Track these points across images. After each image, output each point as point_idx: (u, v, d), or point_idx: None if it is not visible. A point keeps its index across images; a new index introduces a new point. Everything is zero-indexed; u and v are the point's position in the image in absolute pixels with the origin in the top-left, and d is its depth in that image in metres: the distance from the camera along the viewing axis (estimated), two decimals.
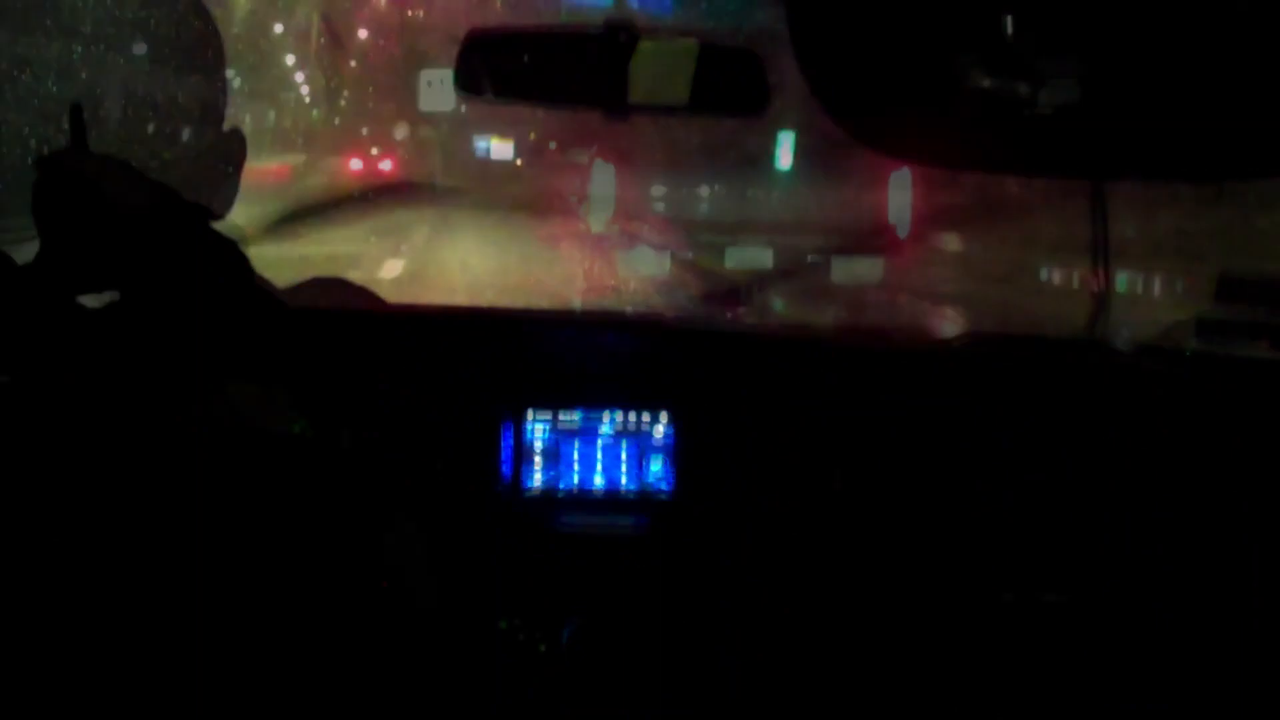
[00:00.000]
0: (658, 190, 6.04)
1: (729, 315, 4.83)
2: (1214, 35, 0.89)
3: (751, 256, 5.64)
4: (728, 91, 1.45)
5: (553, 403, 1.64)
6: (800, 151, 5.87)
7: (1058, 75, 0.95)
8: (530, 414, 1.63)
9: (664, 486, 1.64)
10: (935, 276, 5.91)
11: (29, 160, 0.85)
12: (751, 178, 5.88)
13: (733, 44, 1.43)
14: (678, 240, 5.86)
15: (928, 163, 1.07)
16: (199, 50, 0.85)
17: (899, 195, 5.79)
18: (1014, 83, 0.94)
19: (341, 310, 1.74)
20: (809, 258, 5.65)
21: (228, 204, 0.89)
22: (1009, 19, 0.92)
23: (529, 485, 1.63)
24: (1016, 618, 1.58)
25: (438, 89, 8.77)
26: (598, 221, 5.98)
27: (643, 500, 1.64)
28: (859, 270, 5.51)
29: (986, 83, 0.95)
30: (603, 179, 5.97)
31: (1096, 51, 0.93)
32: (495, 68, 1.47)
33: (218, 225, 0.87)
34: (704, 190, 6.05)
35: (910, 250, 5.87)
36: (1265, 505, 1.54)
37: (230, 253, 0.85)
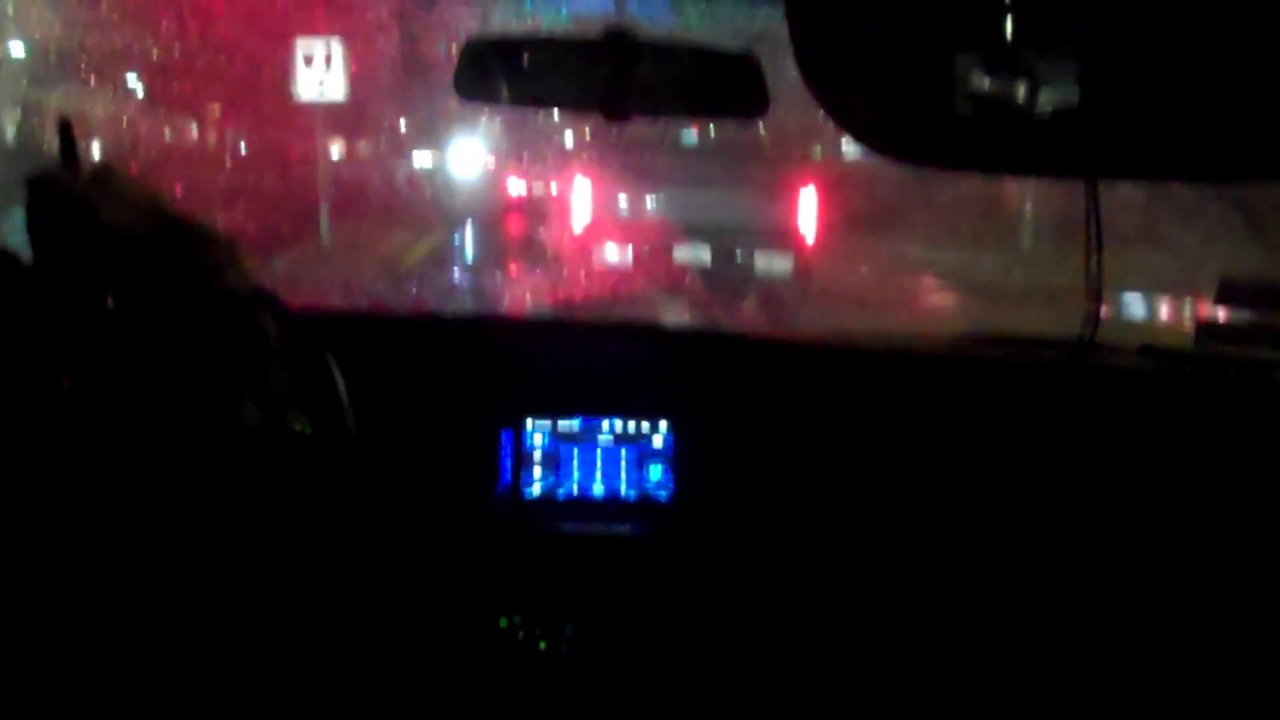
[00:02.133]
0: (622, 200, 7.79)
1: (674, 294, 7.03)
2: (1214, 36, 0.89)
3: (693, 252, 7.47)
4: (727, 95, 1.45)
5: (552, 411, 1.64)
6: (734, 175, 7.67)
7: (1057, 76, 0.95)
8: (530, 422, 1.64)
9: (663, 494, 1.64)
10: (830, 269, 7.86)
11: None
12: (696, 192, 7.62)
13: (732, 48, 1.43)
14: (637, 239, 7.55)
15: (928, 164, 1.07)
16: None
17: (807, 207, 7.50)
18: (1013, 84, 0.94)
19: (342, 313, 1.74)
20: (738, 254, 7.41)
21: None
22: (1008, 19, 0.92)
23: (529, 491, 1.63)
24: (1017, 618, 1.58)
25: (320, 70, 7.22)
26: (578, 224, 7.65)
27: (642, 506, 1.64)
28: (774, 265, 7.40)
29: (986, 84, 0.95)
30: (582, 191, 7.70)
31: (1095, 51, 0.93)
32: (495, 73, 1.47)
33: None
34: (652, 201, 7.76)
35: (814, 250, 7.64)
36: (1265, 506, 1.54)
37: (229, 258, 0.85)
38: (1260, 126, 0.91)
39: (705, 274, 7.34)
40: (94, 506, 0.68)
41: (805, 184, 7.59)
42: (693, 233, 7.41)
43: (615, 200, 7.64)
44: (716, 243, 7.42)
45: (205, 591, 0.70)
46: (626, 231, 7.53)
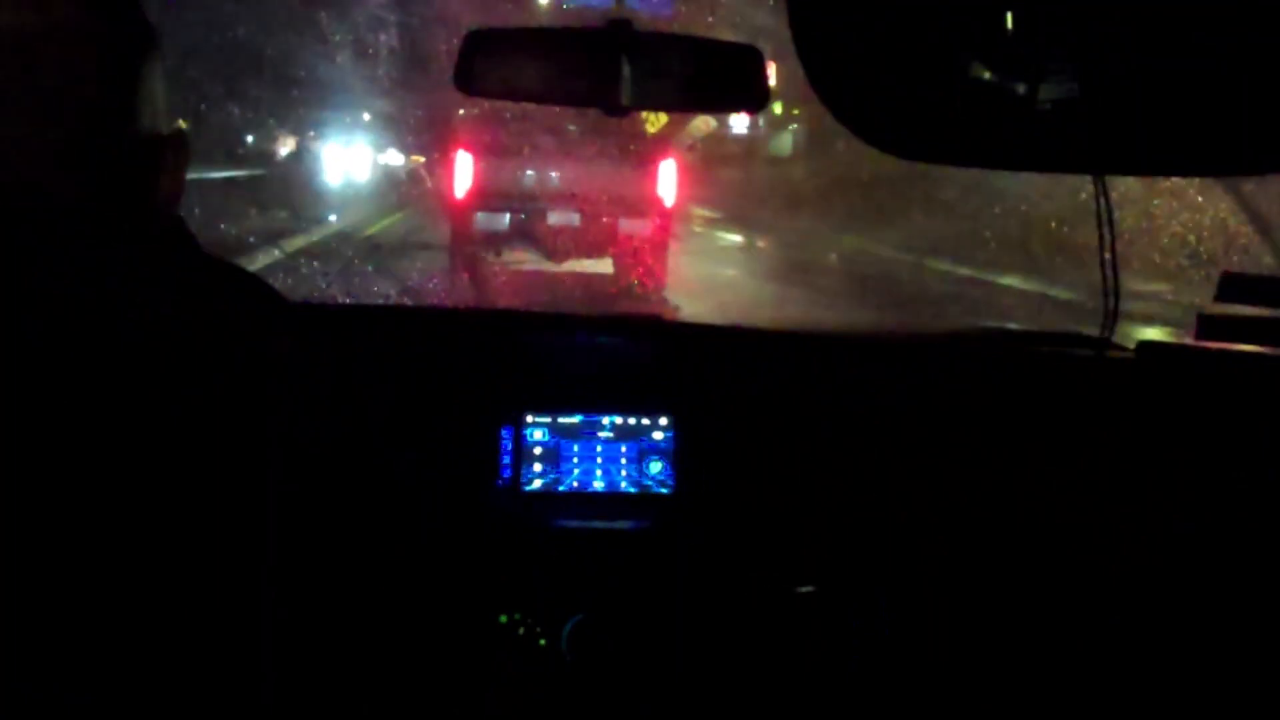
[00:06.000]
0: (508, 171, 9.13)
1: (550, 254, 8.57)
2: (1218, 28, 0.89)
3: (565, 217, 8.80)
4: (728, 87, 1.45)
5: (552, 406, 1.64)
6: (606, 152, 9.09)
7: (1060, 70, 0.95)
8: (530, 417, 1.64)
9: (664, 489, 1.64)
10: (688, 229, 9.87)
11: None
12: (567, 165, 9.02)
13: (734, 40, 1.43)
14: (514, 206, 8.78)
15: (931, 159, 1.07)
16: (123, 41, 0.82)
17: (666, 176, 8.87)
18: (1017, 78, 0.94)
19: (339, 307, 1.74)
20: (603, 218, 8.74)
21: (173, 204, 0.87)
22: (1011, 14, 0.91)
23: (529, 486, 1.63)
24: (1021, 614, 1.58)
25: None
26: (459, 191, 8.81)
27: (643, 500, 1.64)
28: (636, 227, 8.76)
29: (989, 78, 0.94)
30: (463, 165, 8.94)
31: (1099, 45, 0.93)
32: (494, 66, 1.47)
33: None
34: (530, 173, 9.11)
35: (672, 213, 9.03)
36: (1265, 502, 1.54)
37: (184, 241, 0.84)
38: (1266, 119, 0.91)
39: (575, 234, 8.78)
40: (97, 503, 0.68)
41: (666, 157, 9.00)
42: (566, 199, 8.80)
43: (503, 172, 9.01)
44: (586, 208, 8.69)
45: (205, 590, 0.69)
46: (506, 199, 8.83)
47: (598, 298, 8.40)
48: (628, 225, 8.78)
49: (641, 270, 8.71)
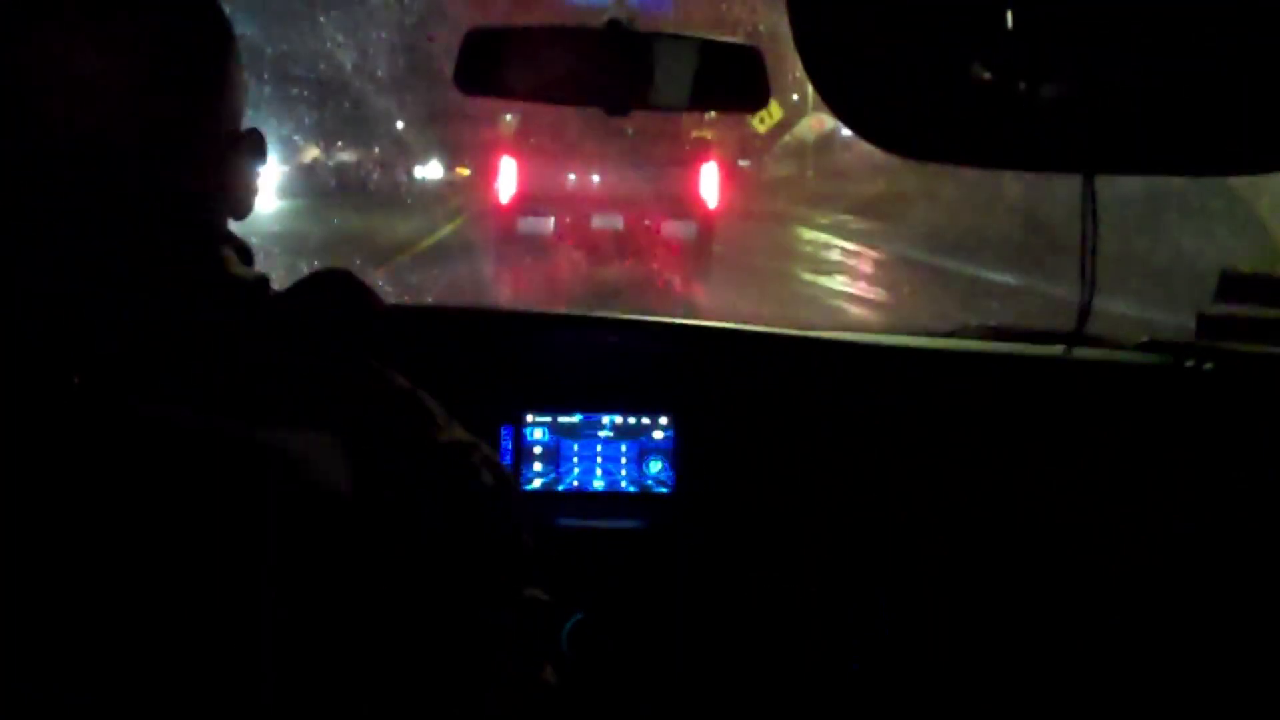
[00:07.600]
0: (552, 177, 9.18)
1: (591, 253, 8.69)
2: (1213, 28, 0.89)
3: (608, 220, 8.88)
4: (729, 87, 1.45)
5: (552, 406, 1.64)
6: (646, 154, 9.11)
7: (1057, 70, 0.95)
8: (530, 416, 1.64)
9: (663, 488, 1.64)
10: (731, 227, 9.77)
11: None
12: (609, 168, 9.13)
13: (734, 40, 1.43)
14: (558, 209, 8.87)
15: (928, 158, 1.07)
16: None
17: (709, 179, 9.04)
18: (1014, 77, 0.94)
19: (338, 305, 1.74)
20: (645, 221, 8.87)
21: (248, 205, 0.89)
22: (1009, 14, 0.91)
23: (528, 485, 1.63)
24: (1016, 613, 1.58)
25: None
26: (504, 195, 8.95)
27: (642, 499, 1.64)
28: (679, 229, 8.90)
29: (986, 77, 0.94)
30: (508, 170, 8.96)
31: (1095, 45, 0.93)
32: (495, 66, 1.47)
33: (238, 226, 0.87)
34: (573, 176, 9.15)
35: (716, 213, 9.13)
36: (1265, 500, 1.54)
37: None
38: (1259, 119, 0.91)
39: (619, 237, 8.90)
40: (97, 503, 0.68)
41: (707, 160, 9.12)
42: (610, 203, 8.87)
43: (546, 176, 9.08)
44: (629, 212, 8.80)
45: (204, 590, 0.69)
46: (551, 203, 8.92)
47: (629, 296, 8.26)
48: (670, 228, 8.82)
49: (683, 272, 8.72)
